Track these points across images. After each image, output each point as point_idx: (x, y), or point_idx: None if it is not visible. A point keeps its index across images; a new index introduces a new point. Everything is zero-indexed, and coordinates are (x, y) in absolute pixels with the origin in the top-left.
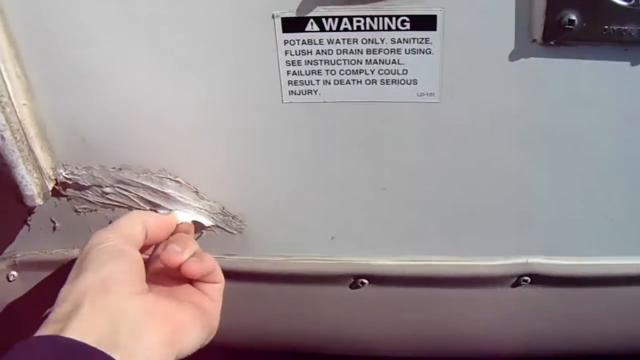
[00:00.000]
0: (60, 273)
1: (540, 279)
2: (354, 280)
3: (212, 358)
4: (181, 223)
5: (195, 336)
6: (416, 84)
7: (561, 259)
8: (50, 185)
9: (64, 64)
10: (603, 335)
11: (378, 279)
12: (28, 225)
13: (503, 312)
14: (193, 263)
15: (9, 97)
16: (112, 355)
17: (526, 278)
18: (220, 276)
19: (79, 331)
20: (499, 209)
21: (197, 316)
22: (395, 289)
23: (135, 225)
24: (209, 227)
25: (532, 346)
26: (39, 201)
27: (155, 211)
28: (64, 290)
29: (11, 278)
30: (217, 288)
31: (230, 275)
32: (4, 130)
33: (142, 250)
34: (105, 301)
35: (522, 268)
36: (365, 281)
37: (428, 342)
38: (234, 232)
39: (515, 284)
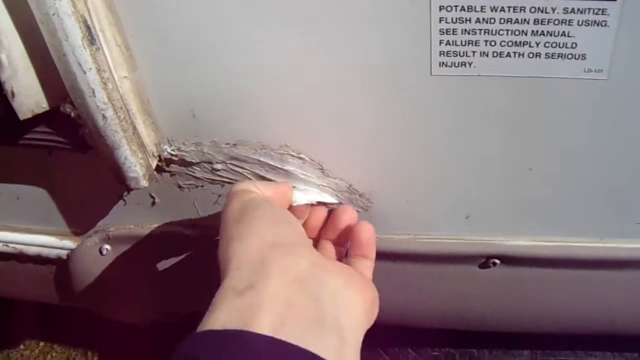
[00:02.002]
0: (156, 247)
1: None
2: (485, 260)
3: None
4: (295, 205)
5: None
6: (584, 59)
7: None
8: (154, 163)
9: (171, 32)
10: None
11: (511, 260)
12: (124, 200)
13: (637, 294)
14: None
15: (111, 72)
16: (321, 333)
17: None
18: (373, 250)
19: (275, 313)
20: None
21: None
22: (528, 270)
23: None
24: (332, 205)
25: None
26: (143, 183)
27: None
28: (231, 251)
29: (104, 252)
30: (368, 265)
31: None
32: (105, 109)
33: None
34: (296, 268)
35: None
36: (497, 261)
37: (556, 322)
38: (360, 209)
39: None
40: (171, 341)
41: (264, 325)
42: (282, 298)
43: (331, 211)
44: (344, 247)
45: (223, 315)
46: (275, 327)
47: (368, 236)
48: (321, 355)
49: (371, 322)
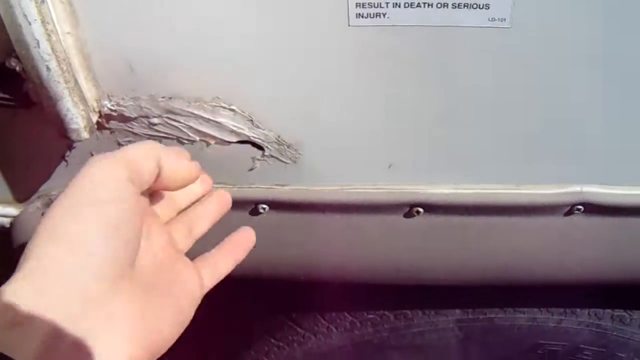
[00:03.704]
0: None
1: (593, 208)
2: (409, 209)
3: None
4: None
5: (170, 339)
6: (488, 8)
7: (616, 188)
8: (95, 118)
9: None
10: None
11: (434, 208)
12: (66, 161)
13: (553, 240)
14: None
15: (54, 24)
16: None
17: (579, 207)
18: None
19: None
20: (558, 136)
21: (177, 310)
22: (450, 218)
23: (148, 161)
24: (262, 157)
25: (581, 274)
26: (85, 135)
27: (206, 142)
28: (32, 241)
29: None
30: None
31: (283, 206)
32: (49, 61)
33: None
34: (65, 292)
35: (577, 197)
36: (421, 210)
37: (479, 271)
38: (288, 161)
39: (568, 213)
40: None
41: None
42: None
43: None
44: None
45: None
46: None
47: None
48: None
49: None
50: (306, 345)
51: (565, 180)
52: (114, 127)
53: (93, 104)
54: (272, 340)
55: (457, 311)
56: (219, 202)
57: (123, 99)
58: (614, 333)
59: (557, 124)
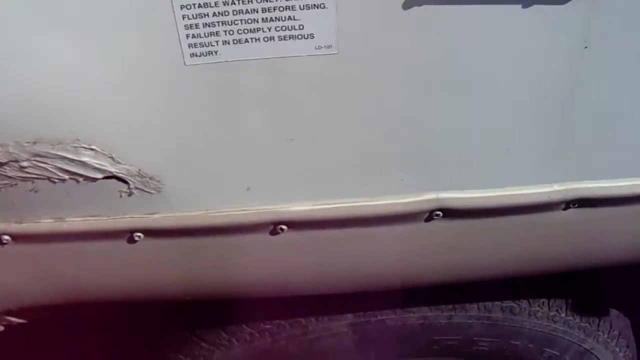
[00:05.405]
0: None
1: (451, 212)
2: (274, 227)
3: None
4: None
5: None
6: (313, 38)
7: (469, 192)
8: None
9: None
10: (512, 261)
11: (296, 224)
12: None
13: (418, 246)
14: None
15: None
16: None
17: (438, 212)
18: None
19: None
20: (403, 148)
21: None
22: (313, 232)
23: None
24: (128, 189)
25: (447, 275)
26: None
27: (75, 180)
28: None
29: None
30: None
31: (155, 232)
32: None
33: None
34: None
35: (433, 203)
36: (285, 227)
37: (347, 280)
38: (153, 191)
39: (428, 219)
40: None
41: None
42: None
43: None
44: None
45: None
46: None
47: None
48: None
49: None
50: (211, 358)
51: (420, 188)
52: None
53: None
54: (180, 357)
55: (349, 315)
56: None
57: None
58: (506, 323)
59: (401, 138)
